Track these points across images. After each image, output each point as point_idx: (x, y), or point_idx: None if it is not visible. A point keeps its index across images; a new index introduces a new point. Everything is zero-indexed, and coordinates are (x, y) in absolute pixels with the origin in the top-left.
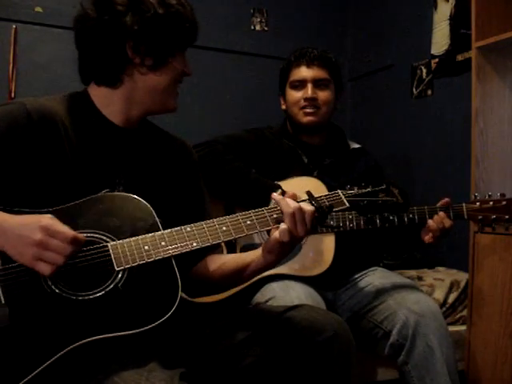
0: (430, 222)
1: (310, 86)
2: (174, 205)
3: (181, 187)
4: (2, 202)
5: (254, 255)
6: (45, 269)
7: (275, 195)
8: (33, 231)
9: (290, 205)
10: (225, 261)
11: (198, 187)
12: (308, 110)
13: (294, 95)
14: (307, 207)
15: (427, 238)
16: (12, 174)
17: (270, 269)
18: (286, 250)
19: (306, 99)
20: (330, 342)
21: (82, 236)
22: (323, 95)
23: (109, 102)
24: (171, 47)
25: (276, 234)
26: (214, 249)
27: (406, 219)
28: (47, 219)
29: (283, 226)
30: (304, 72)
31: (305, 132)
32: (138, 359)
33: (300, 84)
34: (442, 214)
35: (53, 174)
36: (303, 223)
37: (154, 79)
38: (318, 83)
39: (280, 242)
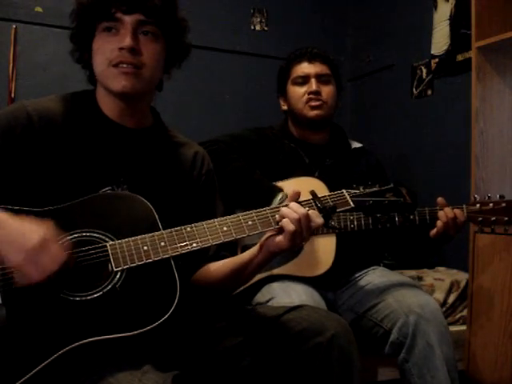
0: (440, 212)
1: (313, 80)
2: (180, 210)
3: (189, 193)
4: (2, 201)
5: (251, 254)
6: (33, 272)
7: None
8: (30, 239)
9: (296, 210)
10: (223, 263)
11: (208, 196)
12: (314, 104)
13: (298, 91)
14: (318, 219)
15: (432, 231)
16: (12, 173)
17: (267, 264)
18: (285, 250)
19: (310, 93)
20: (330, 343)
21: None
22: (327, 89)
23: (102, 99)
24: (82, 33)
25: (280, 237)
26: (220, 258)
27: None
28: (46, 230)
29: (289, 229)
30: (306, 68)
31: (310, 128)
32: (134, 361)
33: (303, 80)
34: (448, 208)
35: (54, 173)
36: (309, 229)
37: (95, 67)
38: (320, 78)
39: (287, 247)
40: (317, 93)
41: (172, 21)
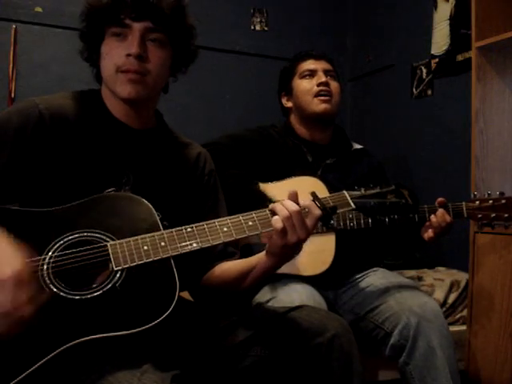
0: (432, 217)
1: (321, 74)
2: (184, 209)
3: (192, 193)
4: (8, 199)
5: (258, 258)
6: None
7: (272, 205)
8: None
9: (287, 207)
10: (230, 265)
11: (211, 195)
12: (323, 98)
13: (307, 84)
14: (315, 211)
15: (427, 234)
16: (20, 171)
17: (274, 271)
18: (289, 252)
19: (320, 84)
20: (331, 343)
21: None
22: (334, 84)
23: (108, 100)
24: (92, 34)
25: (273, 235)
26: (230, 256)
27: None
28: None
29: (278, 227)
30: (313, 64)
31: (315, 125)
32: (133, 360)
33: (311, 73)
34: (441, 210)
35: (60, 172)
36: (302, 226)
37: (102, 70)
38: (327, 73)
39: (281, 244)
40: (327, 84)
41: (180, 28)
